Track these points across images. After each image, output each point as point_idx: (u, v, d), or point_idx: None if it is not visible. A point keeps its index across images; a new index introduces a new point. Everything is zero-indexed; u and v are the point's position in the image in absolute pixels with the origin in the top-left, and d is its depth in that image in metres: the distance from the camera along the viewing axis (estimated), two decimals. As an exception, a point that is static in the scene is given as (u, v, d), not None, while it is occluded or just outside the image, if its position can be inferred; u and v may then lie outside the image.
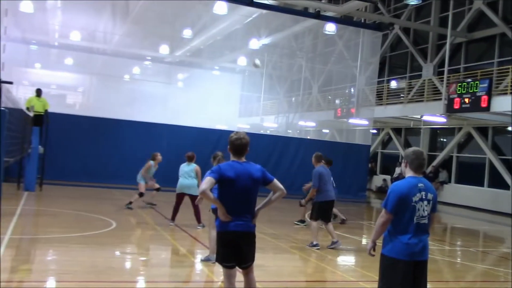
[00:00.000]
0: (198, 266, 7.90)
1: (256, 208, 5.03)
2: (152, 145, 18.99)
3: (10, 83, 6.23)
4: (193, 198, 10.73)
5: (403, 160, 4.80)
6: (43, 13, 27.49)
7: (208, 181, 4.80)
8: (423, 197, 4.61)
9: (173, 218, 11.15)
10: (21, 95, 23.67)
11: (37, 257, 7.75)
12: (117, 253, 8.37)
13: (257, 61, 10.33)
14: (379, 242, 4.72)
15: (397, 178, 27.43)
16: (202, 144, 17.84)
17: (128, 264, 7.84)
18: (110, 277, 6.71)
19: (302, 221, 12.84)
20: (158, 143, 18.86)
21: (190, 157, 11.19)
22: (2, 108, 5.30)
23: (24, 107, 15.75)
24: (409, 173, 4.72)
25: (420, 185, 4.62)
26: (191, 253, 8.69)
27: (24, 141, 13.67)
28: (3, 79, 5.67)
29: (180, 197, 11.07)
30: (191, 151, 11.33)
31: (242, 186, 4.89)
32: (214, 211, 8.17)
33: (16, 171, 15.45)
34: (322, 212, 10.10)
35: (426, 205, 4.61)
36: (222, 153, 7.82)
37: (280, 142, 21.90)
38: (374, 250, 4.73)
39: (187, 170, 11.01)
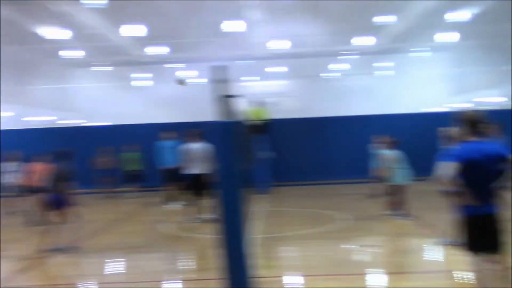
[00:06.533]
0: (425, 254, 7.66)
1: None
2: (367, 137, 19.00)
3: (239, 96, 6.68)
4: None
5: None
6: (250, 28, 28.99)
7: (453, 166, 4.58)
8: None
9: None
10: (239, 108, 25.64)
11: (281, 253, 8.32)
12: (355, 246, 8.55)
13: (184, 80, 9.61)
14: None
15: None
16: (418, 130, 17.17)
17: (367, 256, 7.94)
18: (351, 270, 6.89)
19: None
20: (372, 134, 18.78)
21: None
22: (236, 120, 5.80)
23: (244, 119, 17.16)
24: None
25: None
26: (421, 239, 8.43)
27: (254, 149, 14.89)
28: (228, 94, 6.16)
29: None
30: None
31: (486, 167, 4.57)
32: (449, 194, 7.80)
33: (249, 177, 16.94)
34: None
35: None
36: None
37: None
38: None
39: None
